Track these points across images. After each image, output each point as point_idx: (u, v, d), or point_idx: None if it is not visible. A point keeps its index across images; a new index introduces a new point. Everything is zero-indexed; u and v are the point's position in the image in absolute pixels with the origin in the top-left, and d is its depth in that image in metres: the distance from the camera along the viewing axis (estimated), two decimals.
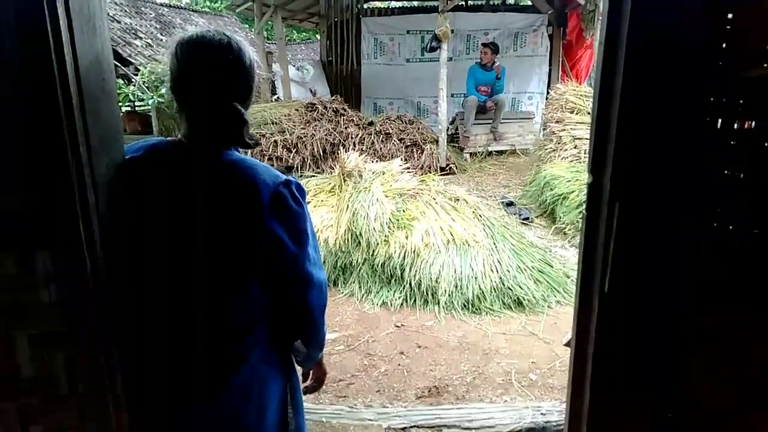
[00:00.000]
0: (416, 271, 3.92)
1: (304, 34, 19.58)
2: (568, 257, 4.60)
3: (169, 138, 1.34)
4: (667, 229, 1.16)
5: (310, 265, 1.32)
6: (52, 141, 1.03)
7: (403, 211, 4.46)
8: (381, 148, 7.32)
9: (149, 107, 8.81)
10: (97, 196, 1.12)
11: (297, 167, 6.96)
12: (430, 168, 7.30)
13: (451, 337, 3.46)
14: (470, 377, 3.02)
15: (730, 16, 1.05)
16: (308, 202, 1.34)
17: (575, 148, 6.29)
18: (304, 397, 1.56)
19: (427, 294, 3.84)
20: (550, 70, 10.14)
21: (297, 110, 7.81)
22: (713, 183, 1.13)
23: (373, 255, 4.12)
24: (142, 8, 13.53)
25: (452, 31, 7.94)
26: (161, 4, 14.96)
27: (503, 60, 8.59)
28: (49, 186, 1.06)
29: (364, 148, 7.10)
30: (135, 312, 1.27)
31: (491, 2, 10.87)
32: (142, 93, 8.81)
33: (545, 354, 3.24)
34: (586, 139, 6.11)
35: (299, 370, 1.54)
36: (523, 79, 10.13)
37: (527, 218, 5.54)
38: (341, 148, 6.95)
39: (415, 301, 3.86)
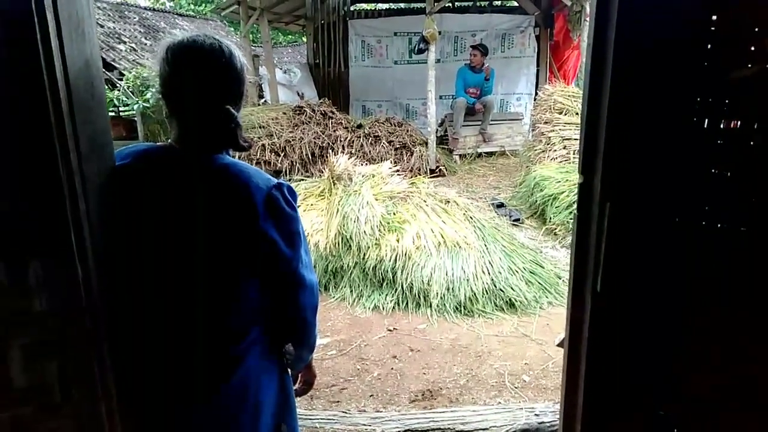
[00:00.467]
0: (408, 274, 3.92)
1: (290, 36, 19.54)
2: (559, 258, 4.63)
3: (158, 143, 1.34)
4: (657, 228, 1.17)
5: (302, 267, 1.34)
6: (43, 148, 1.02)
7: (394, 213, 4.46)
8: (370, 151, 7.32)
9: (134, 112, 8.75)
10: (88, 204, 1.11)
11: (285, 171, 6.94)
12: (419, 170, 7.31)
13: (443, 339, 3.47)
14: (463, 380, 3.03)
15: (714, 17, 1.07)
16: (298, 206, 1.35)
17: (564, 148, 6.34)
18: (296, 402, 1.57)
19: (419, 297, 3.85)
20: (537, 71, 10.21)
21: (285, 113, 7.78)
22: (701, 182, 1.14)
23: (364, 258, 4.11)
24: (126, 12, 13.43)
25: (440, 33, 7.97)
26: (145, 8, 14.88)
27: (491, 61, 8.63)
28: (39, 194, 1.05)
29: (353, 151, 7.09)
30: (132, 318, 1.26)
31: (478, 3, 10.93)
32: (127, 98, 8.75)
33: (538, 355, 3.26)
34: (575, 139, 6.18)
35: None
36: (511, 80, 10.17)
37: (518, 219, 5.56)
38: (330, 151, 6.94)
39: (407, 304, 3.86)
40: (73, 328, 1.12)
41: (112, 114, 9.32)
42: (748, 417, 1.25)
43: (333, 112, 7.93)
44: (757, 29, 1.06)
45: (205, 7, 19.71)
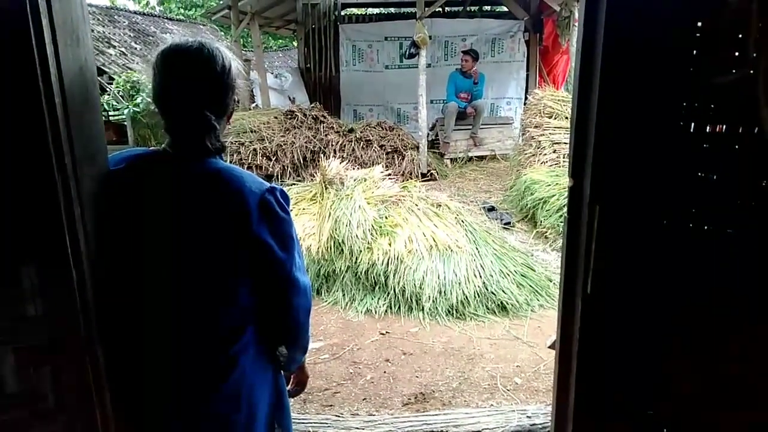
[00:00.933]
0: (400, 277, 3.93)
1: (281, 41, 19.50)
2: (549, 261, 4.66)
3: (152, 148, 1.34)
4: (645, 230, 1.19)
5: (296, 270, 1.35)
6: (38, 153, 1.03)
7: (386, 217, 4.48)
8: (362, 155, 7.33)
9: (124, 117, 8.70)
10: (83, 209, 1.11)
11: (277, 175, 6.92)
12: (411, 174, 7.32)
13: (436, 343, 3.48)
14: (456, 383, 3.04)
15: (699, 24, 1.09)
16: (291, 210, 1.36)
17: (554, 152, 6.38)
18: (290, 402, 1.58)
19: (412, 300, 3.86)
20: (527, 75, 10.27)
21: (276, 118, 7.78)
22: (688, 185, 1.16)
23: (356, 262, 4.12)
24: (116, 17, 13.37)
25: (430, 38, 8.01)
26: (135, 12, 14.81)
27: (481, 66, 8.68)
28: (34, 198, 1.05)
29: (344, 156, 7.10)
30: (126, 323, 1.27)
31: (468, 8, 10.99)
32: (117, 102, 8.70)
33: (529, 357, 3.27)
34: (565, 143, 6.22)
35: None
36: (501, 84, 10.23)
37: (509, 223, 5.59)
38: (322, 155, 6.94)
39: (399, 307, 3.87)
40: (67, 333, 1.12)
41: (102, 118, 9.26)
42: (737, 416, 1.27)
43: (324, 117, 7.93)
44: (740, 35, 1.09)
45: (195, 11, 19.64)
